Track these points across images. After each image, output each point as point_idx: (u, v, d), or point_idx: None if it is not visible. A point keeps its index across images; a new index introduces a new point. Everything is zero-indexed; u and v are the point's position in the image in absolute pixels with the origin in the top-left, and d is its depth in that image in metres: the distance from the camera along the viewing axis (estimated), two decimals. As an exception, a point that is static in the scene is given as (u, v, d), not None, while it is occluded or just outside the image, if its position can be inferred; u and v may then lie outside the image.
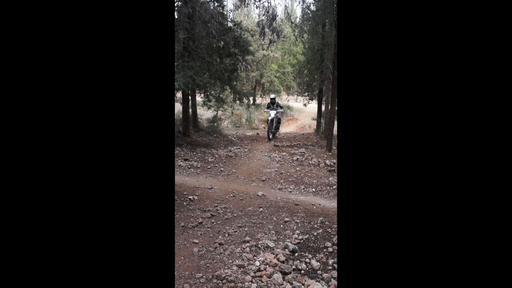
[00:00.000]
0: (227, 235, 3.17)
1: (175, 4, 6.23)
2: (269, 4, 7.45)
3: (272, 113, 8.21)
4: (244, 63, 7.23)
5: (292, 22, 9.76)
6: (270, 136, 8.22)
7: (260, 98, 14.88)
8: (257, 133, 9.42)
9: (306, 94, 10.49)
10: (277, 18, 7.53)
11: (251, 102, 12.84)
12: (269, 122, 8.29)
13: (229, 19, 7.62)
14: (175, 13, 6.21)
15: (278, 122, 8.55)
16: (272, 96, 8.68)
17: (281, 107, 8.51)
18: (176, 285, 2.31)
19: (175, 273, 2.46)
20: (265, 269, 2.54)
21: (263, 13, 7.38)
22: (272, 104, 8.42)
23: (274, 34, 7.43)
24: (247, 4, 8.77)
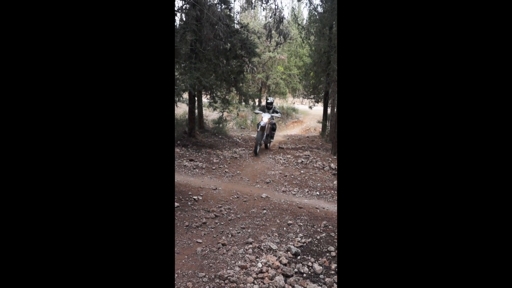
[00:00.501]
0: (230, 236, 3.20)
1: (184, 7, 6.30)
2: (276, 6, 7.48)
3: (266, 117, 6.42)
4: (250, 65, 7.27)
5: (298, 24, 9.78)
6: (258, 149, 6.35)
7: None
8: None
9: (312, 96, 10.50)
10: (284, 20, 7.55)
11: (257, 103, 12.88)
12: (259, 129, 6.34)
13: (235, 21, 7.66)
14: (183, 16, 6.28)
15: (273, 129, 6.98)
16: (270, 100, 7.03)
17: (278, 112, 7.03)
18: (179, 284, 2.35)
19: (179, 271, 2.50)
20: (267, 271, 2.56)
21: (270, 15, 7.42)
22: (268, 109, 6.93)
23: (281, 36, 7.45)
24: (254, 6, 8.81)
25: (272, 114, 6.75)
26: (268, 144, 7.10)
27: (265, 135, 6.55)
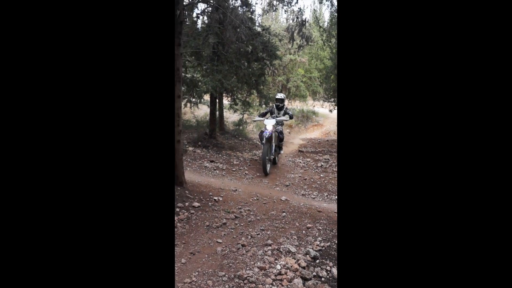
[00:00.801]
0: (249, 237, 3.23)
1: (206, 10, 6.44)
2: (298, 9, 7.45)
3: (269, 125, 4.89)
4: (271, 68, 7.29)
5: (320, 26, 9.70)
6: (268, 168, 5.01)
7: (286, 102, 14.83)
8: (282, 137, 9.39)
9: (332, 99, 10.36)
10: (306, 23, 7.52)
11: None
12: (263, 141, 4.84)
13: (257, 24, 7.73)
14: (206, 19, 6.41)
15: (280, 139, 5.34)
16: (280, 96, 5.45)
17: (289, 116, 5.36)
18: (199, 281, 2.41)
19: (199, 269, 2.56)
20: (285, 273, 2.57)
21: (292, 18, 7.42)
22: (278, 110, 5.40)
23: (303, 39, 7.42)
24: (276, 8, 8.85)
25: (278, 118, 5.24)
26: (276, 158, 5.49)
27: (273, 147, 5.15)
